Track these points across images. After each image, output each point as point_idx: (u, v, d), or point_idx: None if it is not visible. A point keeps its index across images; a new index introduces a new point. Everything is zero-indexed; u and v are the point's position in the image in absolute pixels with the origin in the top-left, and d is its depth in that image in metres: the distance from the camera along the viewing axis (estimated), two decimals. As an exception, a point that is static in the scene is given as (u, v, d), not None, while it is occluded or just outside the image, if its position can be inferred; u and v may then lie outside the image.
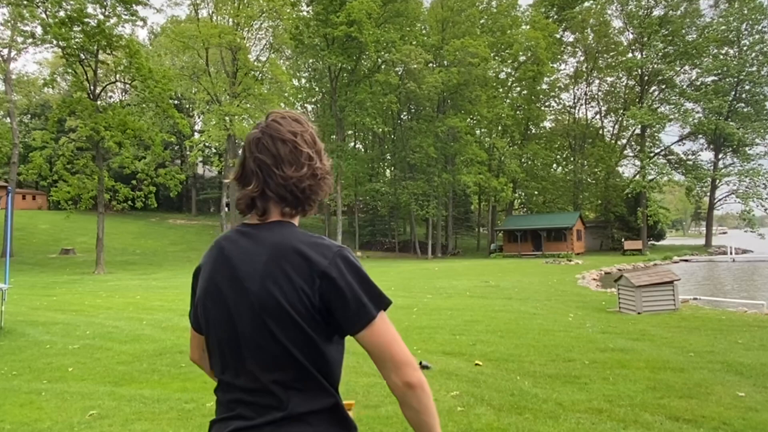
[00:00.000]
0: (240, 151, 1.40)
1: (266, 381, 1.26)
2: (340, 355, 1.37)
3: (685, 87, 46.77)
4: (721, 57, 45.55)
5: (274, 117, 1.36)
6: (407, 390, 1.26)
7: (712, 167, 47.30)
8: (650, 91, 47.86)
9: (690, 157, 49.28)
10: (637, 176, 45.60)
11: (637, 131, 48.62)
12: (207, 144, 41.68)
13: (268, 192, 1.31)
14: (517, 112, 49.99)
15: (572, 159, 53.58)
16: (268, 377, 1.26)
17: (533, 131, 53.30)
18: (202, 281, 1.40)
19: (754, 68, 44.40)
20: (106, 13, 25.36)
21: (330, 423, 1.30)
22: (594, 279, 21.94)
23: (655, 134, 47.74)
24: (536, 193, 53.92)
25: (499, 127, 50.00)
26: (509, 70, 51.21)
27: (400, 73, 44.48)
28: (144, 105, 30.19)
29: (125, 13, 25.97)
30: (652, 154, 47.01)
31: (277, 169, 1.30)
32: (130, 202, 28.25)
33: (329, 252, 1.27)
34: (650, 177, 43.78)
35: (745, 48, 45.35)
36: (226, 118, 31.35)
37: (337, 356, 1.35)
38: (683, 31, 44.96)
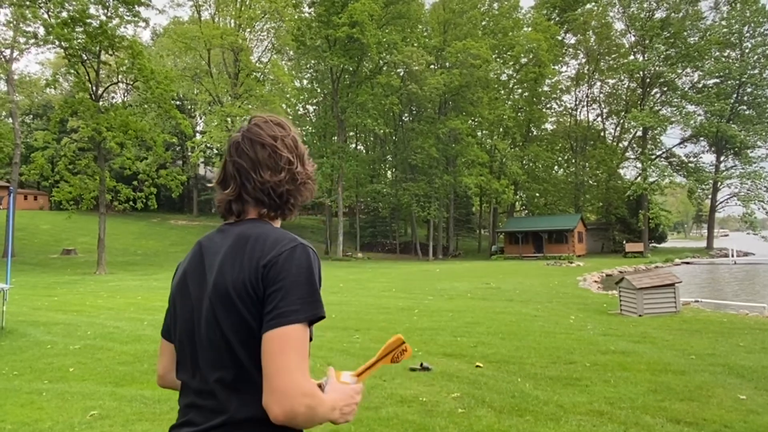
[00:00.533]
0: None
1: (211, 381, 1.21)
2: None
3: (686, 89, 46.75)
4: (723, 60, 45.53)
5: (256, 121, 1.37)
6: (280, 418, 1.09)
7: (713, 170, 47.27)
8: (652, 93, 47.84)
9: (692, 159, 49.28)
10: (639, 179, 45.58)
11: (639, 133, 48.60)
12: (209, 145, 41.74)
13: (245, 195, 1.31)
14: (519, 114, 50.02)
15: (573, 161, 53.58)
16: (212, 376, 1.20)
17: (535, 133, 53.33)
18: (175, 281, 1.39)
19: (756, 71, 44.40)
20: (109, 13, 25.40)
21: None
22: (595, 281, 21.91)
23: (657, 136, 47.72)
24: (537, 194, 53.93)
25: (501, 129, 50.03)
26: (511, 72, 51.25)
27: (401, 74, 44.53)
28: (146, 106, 30.22)
29: (127, 13, 26.01)
30: (653, 157, 46.98)
31: (254, 173, 1.29)
32: (131, 203, 28.26)
33: (285, 244, 1.22)
34: (652, 179, 43.75)
35: (747, 50, 45.33)
36: (228, 119, 31.41)
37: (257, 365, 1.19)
38: (685, 33, 44.95)
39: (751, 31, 45.14)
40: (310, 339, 1.18)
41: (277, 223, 1.36)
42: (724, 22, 45.06)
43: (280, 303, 1.14)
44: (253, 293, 1.17)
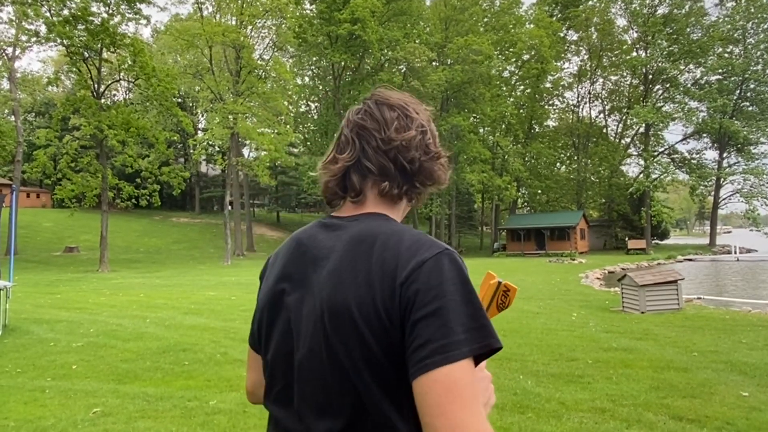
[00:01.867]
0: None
1: (315, 429, 0.91)
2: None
3: (689, 86, 46.59)
4: (726, 56, 45.35)
5: (380, 89, 1.10)
6: None
7: (716, 166, 47.14)
8: (654, 89, 47.70)
9: (694, 156, 49.15)
10: (641, 176, 45.48)
11: (641, 130, 48.48)
12: (210, 142, 41.76)
13: (364, 161, 1.00)
14: (521, 111, 49.92)
15: (576, 158, 53.47)
16: (318, 424, 0.91)
17: (537, 130, 53.23)
18: (266, 286, 1.07)
19: (759, 67, 44.22)
20: (110, 11, 25.41)
21: None
22: (597, 278, 21.89)
23: (659, 133, 47.63)
24: (539, 191, 53.85)
25: (503, 126, 49.94)
26: (513, 69, 51.13)
27: (403, 71, 44.47)
28: (147, 103, 30.25)
29: (129, 11, 26.03)
30: (656, 153, 46.87)
31: (377, 133, 1.00)
32: (133, 201, 28.32)
33: (426, 250, 0.90)
34: (654, 176, 43.63)
35: (750, 47, 45.14)
36: (230, 116, 31.35)
37: (406, 415, 0.87)
38: (688, 29, 44.79)
39: (754, 27, 44.96)
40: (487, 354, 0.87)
41: (401, 210, 1.08)
42: (727, 18, 44.87)
43: (435, 334, 0.82)
44: (386, 319, 0.86)
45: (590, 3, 49.36)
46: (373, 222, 0.98)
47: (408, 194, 1.04)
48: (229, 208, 35.17)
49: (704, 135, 47.67)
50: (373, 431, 0.87)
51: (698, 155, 49.28)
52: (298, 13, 39.33)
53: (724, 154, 47.52)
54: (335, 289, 0.91)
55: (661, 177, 43.90)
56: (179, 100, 46.96)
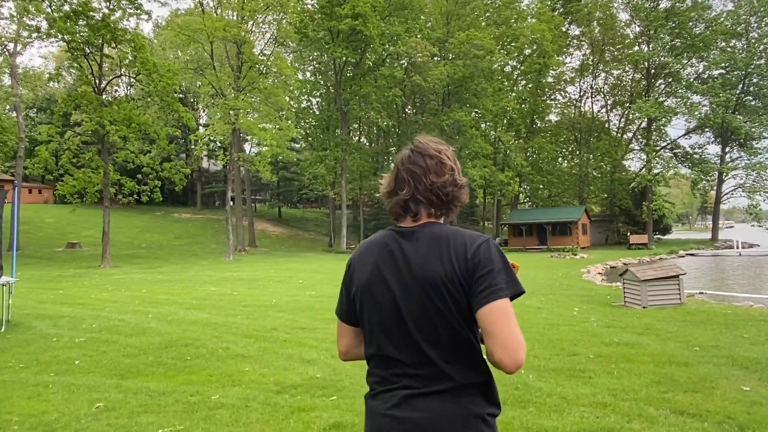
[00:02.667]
0: (392, 168, 1.69)
1: (432, 355, 1.47)
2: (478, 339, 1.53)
3: (692, 80, 46.40)
4: (729, 50, 45.14)
5: (420, 139, 1.66)
6: (511, 369, 1.39)
7: (718, 161, 47.00)
8: (657, 84, 47.50)
9: (697, 150, 49.00)
10: (643, 170, 45.38)
11: (644, 125, 48.33)
12: (212, 138, 41.71)
13: (417, 195, 1.57)
14: (523, 106, 49.78)
15: (578, 153, 53.37)
16: (432, 352, 1.47)
17: (539, 125, 53.09)
18: (364, 277, 1.60)
19: (763, 61, 44.01)
20: (111, 6, 25.36)
21: (486, 398, 1.51)
22: (599, 273, 21.89)
23: (662, 127, 47.46)
24: (541, 186, 53.79)
25: (505, 121, 49.81)
26: (515, 63, 50.96)
27: (405, 66, 44.35)
28: (149, 99, 30.21)
29: (130, 6, 25.98)
30: (658, 148, 46.73)
31: (425, 177, 1.57)
32: (135, 196, 28.33)
33: (478, 238, 1.51)
34: (656, 171, 43.52)
35: (753, 41, 44.92)
36: (231, 111, 31.32)
37: (476, 337, 1.53)
38: (690, 23, 44.57)
39: (758, 21, 44.72)
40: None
41: (441, 220, 1.63)
42: (730, 12, 44.64)
43: (492, 282, 1.43)
44: (463, 280, 1.45)
45: (592, -3, 49.13)
46: (436, 227, 1.57)
47: (446, 213, 1.62)
48: (231, 203, 35.20)
49: (707, 130, 47.51)
50: (461, 348, 1.48)
51: (701, 150, 49.13)
52: (299, 8, 39.22)
53: (727, 149, 47.37)
54: (427, 270, 1.48)
55: (663, 172, 43.77)
56: (180, 95, 46.88)
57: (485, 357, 1.50)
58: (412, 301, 1.49)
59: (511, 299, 1.44)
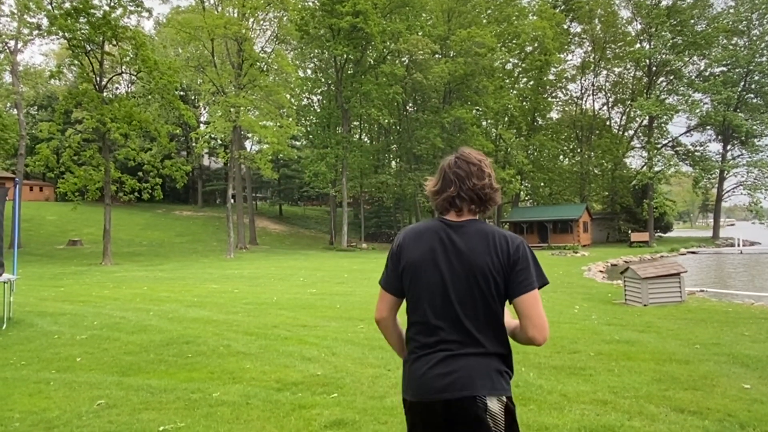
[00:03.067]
0: (438, 172, 2.05)
1: (468, 326, 1.85)
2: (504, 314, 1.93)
3: (693, 78, 46.30)
4: (731, 47, 45.03)
5: (463, 149, 2.03)
6: (541, 343, 1.87)
7: (720, 158, 46.93)
8: (658, 81, 47.40)
9: (698, 148, 48.93)
10: (644, 168, 45.32)
11: (645, 122, 48.26)
12: (213, 135, 41.72)
13: (462, 194, 1.93)
14: (524, 103, 49.70)
15: (579, 150, 53.30)
16: (468, 323, 1.85)
17: (540, 122, 53.01)
18: (416, 257, 1.94)
19: (765, 59, 43.91)
20: (112, 4, 25.34)
21: (506, 365, 1.91)
22: (600, 271, 21.89)
23: (663, 125, 47.39)
24: (542, 184, 53.74)
25: (506, 118, 49.74)
26: (516, 61, 50.87)
27: (405, 63, 44.29)
28: (150, 96, 30.20)
29: (131, 3, 25.95)
30: (659, 146, 46.67)
31: (468, 180, 1.93)
32: (136, 194, 28.33)
33: (518, 239, 1.91)
34: (657, 168, 43.46)
35: (755, 38, 44.81)
36: (232, 109, 31.30)
37: (503, 315, 1.92)
38: (692, 21, 44.46)
39: (759, 18, 44.61)
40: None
41: (478, 217, 2.00)
42: (732, 9, 44.52)
43: (528, 276, 1.84)
44: (503, 270, 1.84)
45: (593, -6, 48.99)
46: (481, 224, 1.93)
47: (483, 210, 1.98)
48: (232, 201, 35.23)
49: (708, 127, 47.43)
50: (491, 322, 1.86)
51: (702, 147, 49.08)
52: (300, 5, 39.18)
53: (728, 147, 47.30)
54: (477, 259, 1.85)
55: (664, 169, 43.71)
56: (181, 93, 46.84)
57: (515, 333, 1.93)
58: (459, 281, 1.86)
59: (540, 287, 1.87)
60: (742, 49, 44.54)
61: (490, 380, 1.82)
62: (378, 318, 2.08)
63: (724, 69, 45.28)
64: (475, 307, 1.85)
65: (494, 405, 1.80)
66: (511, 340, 1.95)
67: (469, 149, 2.03)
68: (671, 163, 44.40)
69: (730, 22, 44.15)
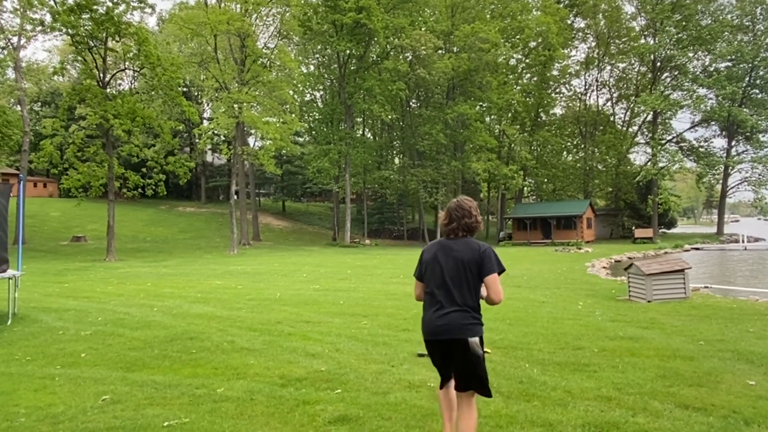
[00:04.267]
0: (446, 211, 3.40)
1: (454, 293, 3.15)
2: (480, 285, 3.21)
3: (698, 73, 46.04)
4: (736, 43, 44.78)
5: (461, 198, 3.39)
6: (497, 302, 3.17)
7: (724, 154, 46.72)
8: (662, 77, 47.16)
9: (702, 144, 48.72)
10: (648, 163, 45.16)
11: (649, 118, 48.07)
12: (216, 131, 41.71)
13: (459, 226, 3.28)
14: (528, 99, 49.55)
15: (583, 146, 53.14)
16: (454, 291, 3.15)
17: (543, 118, 52.86)
18: (429, 257, 3.32)
19: (769, 53, 43.68)
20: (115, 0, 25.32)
21: (476, 315, 3.17)
22: (604, 267, 21.83)
23: (667, 121, 47.18)
24: (546, 180, 53.62)
25: (510, 114, 49.61)
26: (520, 56, 50.69)
27: (409, 59, 44.18)
28: (153, 92, 30.19)
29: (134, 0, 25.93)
30: (663, 141, 46.48)
31: (462, 219, 3.28)
32: (140, 190, 28.38)
33: (485, 246, 3.21)
34: (661, 164, 43.30)
35: (759, 33, 44.54)
36: (235, 105, 31.28)
37: (480, 287, 3.21)
38: (697, 16, 44.18)
39: (764, 13, 44.33)
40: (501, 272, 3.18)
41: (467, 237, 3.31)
42: (736, 4, 44.21)
43: (491, 266, 3.14)
44: (476, 262, 3.15)
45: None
46: (467, 239, 3.27)
47: (471, 235, 3.29)
48: (235, 197, 35.24)
49: (713, 123, 47.21)
50: (469, 291, 3.17)
51: (706, 143, 48.86)
52: (303, 1, 39.08)
53: (733, 142, 47.09)
54: (464, 256, 3.18)
55: (668, 165, 43.53)
56: (184, 89, 46.87)
57: (486, 297, 3.20)
58: (451, 269, 3.19)
59: (499, 274, 3.16)
60: (747, 44, 44.29)
61: (469, 328, 3.13)
62: (416, 297, 3.46)
63: (729, 64, 45.02)
64: (461, 283, 3.16)
65: (474, 345, 3.13)
66: (482, 302, 3.23)
67: (464, 198, 3.39)
68: (675, 159, 44.22)
69: (735, 17, 43.88)
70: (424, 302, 3.31)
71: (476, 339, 3.10)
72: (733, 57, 43.85)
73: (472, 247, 3.16)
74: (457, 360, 3.14)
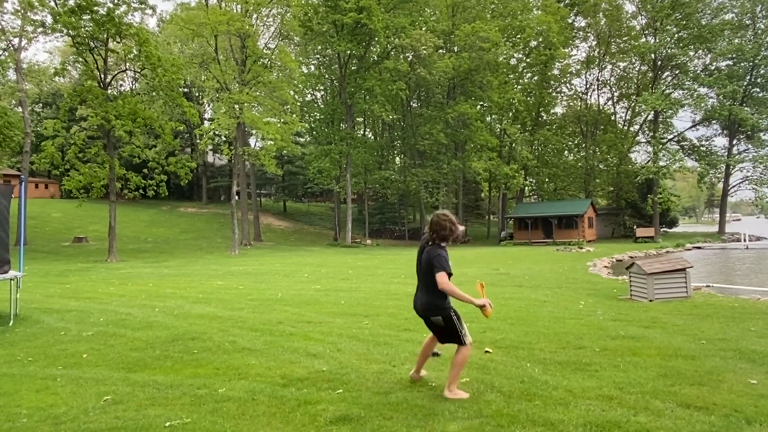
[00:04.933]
0: (430, 222, 4.46)
1: (423, 281, 4.57)
2: (434, 279, 4.33)
3: (698, 72, 45.99)
4: (737, 41, 44.71)
5: (440, 215, 4.47)
6: (444, 290, 4.31)
7: (725, 153, 46.66)
8: (663, 76, 47.12)
9: (703, 143, 48.66)
10: (649, 162, 45.12)
11: (650, 117, 48.03)
12: (217, 132, 41.76)
13: (436, 236, 4.43)
14: (529, 98, 49.54)
15: (584, 145, 53.10)
16: (423, 279, 4.56)
17: (544, 117, 52.86)
18: (418, 254, 4.68)
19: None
20: (116, 1, 25.36)
21: (438, 300, 4.44)
22: (605, 266, 21.79)
23: (668, 120, 47.12)
24: (547, 180, 53.60)
25: (510, 113, 49.59)
26: (520, 56, 50.68)
27: (409, 59, 44.19)
28: (154, 93, 30.24)
29: (134, 1, 25.97)
30: (664, 140, 46.42)
31: (438, 231, 4.43)
32: (141, 191, 28.42)
33: (435, 253, 4.40)
34: (662, 163, 43.25)
35: (760, 32, 44.46)
36: (236, 106, 31.31)
37: (434, 279, 4.33)
38: (697, 14, 44.12)
39: (764, 11, 44.25)
40: (450, 275, 4.36)
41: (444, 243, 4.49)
42: (735, 2, 44.14)
43: (437, 266, 4.33)
44: (430, 264, 4.40)
45: (598, -12, 48.68)
46: (433, 247, 4.48)
47: (445, 242, 4.50)
48: (236, 197, 35.28)
49: (714, 122, 47.15)
50: (431, 281, 4.40)
51: (708, 142, 48.80)
52: (303, 1, 39.11)
53: (734, 141, 47.02)
54: (426, 257, 4.49)
55: (669, 164, 43.47)
56: (185, 89, 46.90)
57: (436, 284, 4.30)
58: (421, 266, 4.52)
59: (448, 274, 4.31)
60: (748, 42, 44.21)
61: (430, 310, 4.48)
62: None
63: (730, 63, 44.95)
64: (425, 277, 4.45)
65: (437, 319, 4.46)
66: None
67: (443, 213, 4.46)
68: (676, 158, 44.16)
69: (735, 16, 43.79)
70: None
71: (438, 318, 4.44)
72: (734, 56, 43.78)
73: (430, 254, 4.38)
74: (430, 326, 4.64)
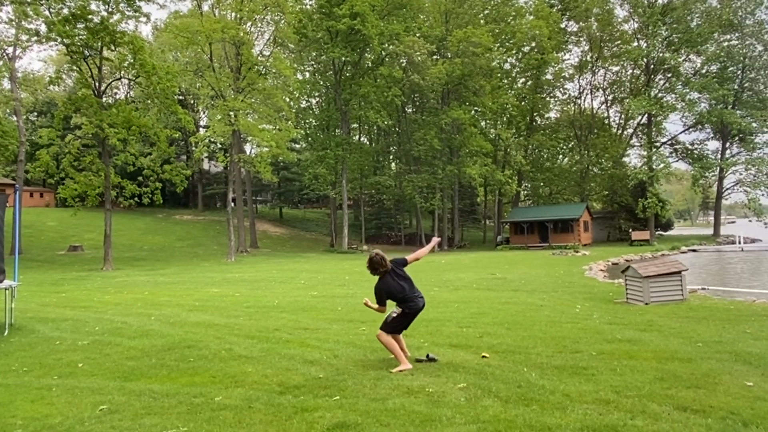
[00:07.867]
0: (369, 261, 5.85)
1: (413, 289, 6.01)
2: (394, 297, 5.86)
3: (690, 76, 46.25)
4: (726, 44, 44.96)
5: (374, 256, 5.84)
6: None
7: (719, 156, 46.90)
8: (656, 80, 47.39)
9: (697, 146, 48.89)
10: (641, 166, 45.30)
11: (644, 121, 48.26)
12: (212, 139, 41.73)
13: (378, 271, 5.82)
14: (522, 103, 49.72)
15: (578, 149, 53.31)
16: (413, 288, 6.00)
17: (538, 122, 53.06)
18: None
19: (756, 53, 43.87)
20: (110, 9, 25.36)
21: (398, 304, 5.87)
22: (601, 270, 21.86)
23: (660, 123, 47.34)
24: (542, 184, 53.74)
25: (504, 118, 49.76)
26: (513, 61, 50.93)
27: (403, 65, 44.34)
28: (148, 101, 30.22)
29: (128, 9, 25.97)
30: (657, 144, 46.63)
31: (376, 267, 5.81)
32: (136, 199, 28.34)
33: (378, 285, 5.88)
34: (655, 167, 43.43)
35: (747, 32, 44.63)
36: (231, 113, 31.30)
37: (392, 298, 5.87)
38: (687, 17, 44.38)
39: (744, 7, 44.20)
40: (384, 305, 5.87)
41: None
42: (723, 2, 44.40)
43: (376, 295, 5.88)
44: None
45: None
46: (380, 280, 5.91)
47: (381, 274, 5.92)
48: (232, 205, 35.22)
49: (706, 125, 47.42)
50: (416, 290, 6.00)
51: (701, 145, 49.04)
52: (297, 9, 39.21)
53: (727, 144, 47.29)
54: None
55: (657, 169, 43.60)
56: (180, 97, 46.86)
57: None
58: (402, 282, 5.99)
59: (378, 303, 5.89)
60: (736, 44, 44.43)
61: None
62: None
63: (720, 66, 45.21)
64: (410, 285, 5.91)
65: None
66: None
67: (376, 253, 5.79)
68: (664, 161, 44.27)
69: (722, 16, 43.95)
70: None
71: (387, 319, 5.80)
72: (724, 58, 44.04)
73: (377, 285, 5.79)
74: (412, 321, 6.05)
